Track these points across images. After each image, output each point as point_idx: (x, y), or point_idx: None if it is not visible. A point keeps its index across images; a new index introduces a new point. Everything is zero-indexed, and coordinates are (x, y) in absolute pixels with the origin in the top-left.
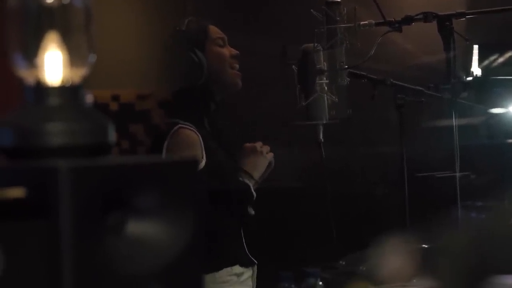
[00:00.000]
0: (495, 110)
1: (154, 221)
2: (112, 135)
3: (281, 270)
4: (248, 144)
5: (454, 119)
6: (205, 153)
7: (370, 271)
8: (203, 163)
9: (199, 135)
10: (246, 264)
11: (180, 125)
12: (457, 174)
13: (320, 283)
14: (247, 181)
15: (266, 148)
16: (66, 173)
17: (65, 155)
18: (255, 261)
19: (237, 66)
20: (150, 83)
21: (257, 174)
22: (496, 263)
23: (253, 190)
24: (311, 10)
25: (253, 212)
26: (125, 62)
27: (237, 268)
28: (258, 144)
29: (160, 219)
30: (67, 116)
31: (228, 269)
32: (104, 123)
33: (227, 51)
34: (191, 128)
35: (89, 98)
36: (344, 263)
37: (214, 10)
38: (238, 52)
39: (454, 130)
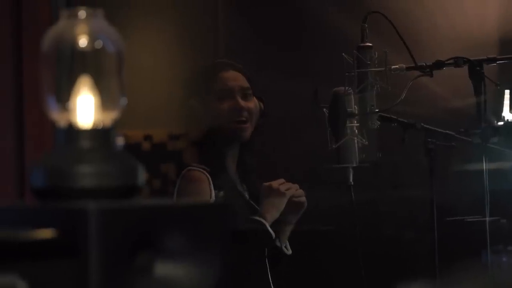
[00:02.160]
0: None
1: (181, 263)
2: (142, 177)
3: None
4: (266, 184)
5: (484, 163)
6: (215, 194)
7: None
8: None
9: (208, 176)
10: None
11: (189, 168)
12: (487, 219)
13: None
14: (262, 220)
15: (285, 186)
16: (95, 215)
17: (95, 197)
18: None
19: (241, 118)
20: (183, 124)
21: (271, 213)
22: None
23: (269, 229)
24: (343, 54)
25: (288, 252)
26: (157, 102)
27: None
28: (276, 183)
29: (187, 261)
30: (98, 158)
31: None
32: (134, 165)
33: (231, 104)
34: (200, 170)
35: (120, 141)
36: None
37: (248, 51)
38: (244, 106)
39: (484, 174)
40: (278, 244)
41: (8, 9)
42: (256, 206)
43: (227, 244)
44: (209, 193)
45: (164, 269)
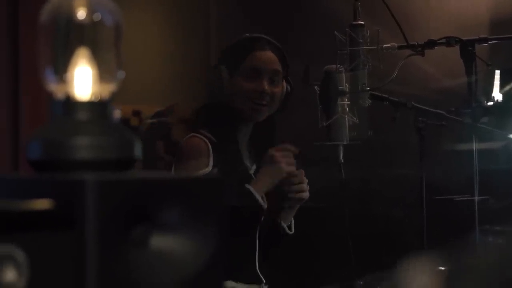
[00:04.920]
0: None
1: (177, 236)
2: (138, 150)
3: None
4: (270, 150)
5: (474, 143)
6: (213, 162)
7: None
8: (206, 170)
9: (208, 144)
10: (249, 281)
11: (193, 134)
12: (476, 198)
13: None
14: (249, 187)
15: (280, 153)
16: (93, 186)
17: (92, 169)
18: (263, 280)
19: (262, 102)
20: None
21: (262, 181)
22: None
23: (256, 195)
24: (335, 32)
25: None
26: (147, 78)
27: (241, 285)
28: (274, 149)
29: (183, 234)
30: (95, 130)
31: (231, 283)
32: (130, 138)
33: (256, 85)
34: (202, 137)
35: (116, 114)
36: (362, 283)
37: (239, 30)
38: (268, 90)
39: (474, 154)
40: (282, 224)
41: None
42: None
43: (224, 217)
44: (206, 161)
45: (160, 242)
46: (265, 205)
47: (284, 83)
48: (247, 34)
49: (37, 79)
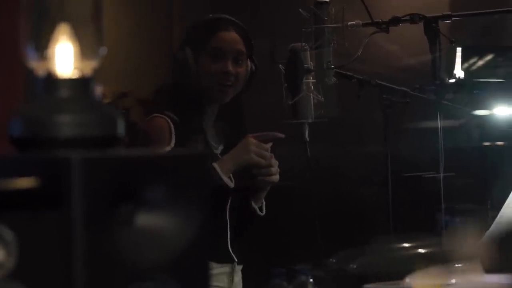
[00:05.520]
0: (478, 112)
1: (162, 213)
2: (122, 128)
3: (272, 268)
4: (247, 136)
5: (439, 120)
6: (175, 141)
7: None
8: (167, 148)
9: (170, 123)
10: (221, 261)
11: (154, 115)
12: (441, 175)
13: (311, 280)
14: (214, 164)
15: (256, 145)
16: (79, 164)
17: (75, 147)
18: (235, 259)
19: (227, 82)
20: (131, 81)
21: (227, 160)
22: None
23: (222, 175)
24: (299, 9)
25: (262, 213)
26: (106, 59)
27: (213, 265)
28: (253, 141)
29: (168, 211)
30: (78, 107)
31: None
32: (114, 115)
33: (220, 66)
34: (163, 117)
35: (98, 90)
36: (334, 261)
37: (200, 10)
38: (233, 70)
39: (439, 131)
40: (252, 204)
41: None
42: None
43: (207, 194)
44: (168, 141)
45: (145, 219)
46: (231, 184)
47: (249, 63)
48: (210, 15)
49: (10, 53)
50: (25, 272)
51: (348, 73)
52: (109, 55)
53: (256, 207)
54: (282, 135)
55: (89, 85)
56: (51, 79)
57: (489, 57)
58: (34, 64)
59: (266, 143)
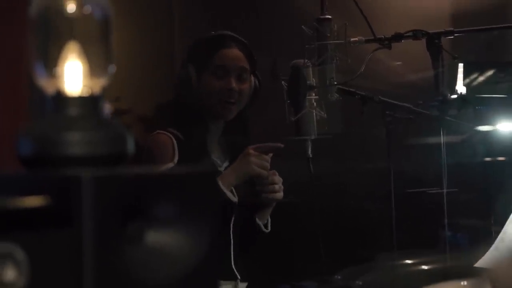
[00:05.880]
0: (481, 128)
1: (171, 230)
2: (131, 145)
3: (278, 284)
4: (247, 148)
5: (442, 136)
6: (178, 157)
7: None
8: (170, 165)
9: (173, 139)
10: (224, 278)
11: (157, 131)
12: (445, 191)
13: None
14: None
15: (256, 157)
16: (89, 182)
17: (85, 164)
18: (238, 276)
19: (230, 100)
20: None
21: (228, 175)
22: None
23: (225, 190)
24: (302, 26)
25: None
26: None
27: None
28: (253, 153)
29: (177, 229)
30: (87, 125)
31: None
32: (123, 132)
33: (224, 83)
34: (166, 134)
35: (107, 108)
36: (339, 277)
37: (202, 27)
38: (236, 87)
39: (442, 147)
40: (257, 221)
41: None
42: None
43: (215, 211)
44: (171, 157)
45: (155, 236)
46: (234, 199)
47: (252, 78)
48: (212, 32)
49: (15, 71)
50: None
51: (351, 89)
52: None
53: (261, 223)
54: (281, 145)
55: (98, 103)
56: (60, 97)
57: (490, 72)
58: (43, 82)
59: (267, 154)
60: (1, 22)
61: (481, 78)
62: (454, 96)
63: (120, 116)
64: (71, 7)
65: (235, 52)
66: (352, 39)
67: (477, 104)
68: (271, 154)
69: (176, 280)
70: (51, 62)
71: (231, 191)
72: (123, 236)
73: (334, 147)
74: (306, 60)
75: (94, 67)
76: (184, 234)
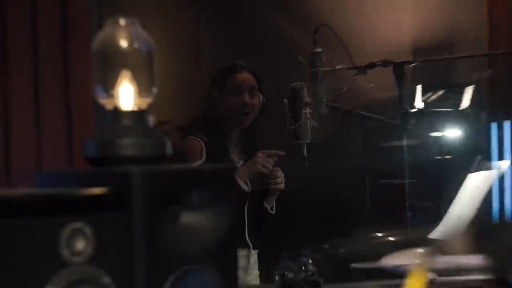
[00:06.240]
0: (433, 134)
1: (201, 213)
2: (170, 148)
3: (281, 252)
4: (258, 152)
5: (404, 140)
6: (206, 157)
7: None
8: (199, 162)
9: (202, 143)
10: (241, 247)
11: (190, 137)
12: (407, 181)
13: (310, 261)
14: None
15: (262, 159)
16: (138, 176)
17: (135, 163)
18: (250, 245)
19: (245, 111)
20: (168, 113)
21: (242, 170)
22: None
23: (240, 182)
24: (299, 57)
25: (273, 212)
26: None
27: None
28: (261, 155)
29: (205, 211)
30: (137, 133)
31: None
32: (163, 138)
33: (239, 99)
34: (197, 139)
35: (152, 120)
36: (327, 246)
37: (223, 58)
38: (249, 101)
39: (404, 148)
40: (265, 205)
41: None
42: None
43: (235, 198)
44: (200, 156)
45: (188, 217)
46: (247, 188)
47: (260, 96)
48: (228, 64)
49: (84, 92)
50: (99, 258)
51: (337, 105)
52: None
53: (268, 206)
54: (283, 153)
55: (144, 116)
56: (116, 112)
57: (441, 92)
58: (104, 101)
59: (272, 157)
60: (74, 54)
61: (433, 96)
62: (414, 110)
63: (161, 126)
64: (123, 43)
65: (245, 75)
66: (337, 67)
67: (431, 116)
68: (275, 158)
69: (205, 251)
70: (109, 86)
71: (246, 183)
72: (165, 217)
73: (323, 148)
74: (302, 83)
75: (142, 90)
76: (210, 215)
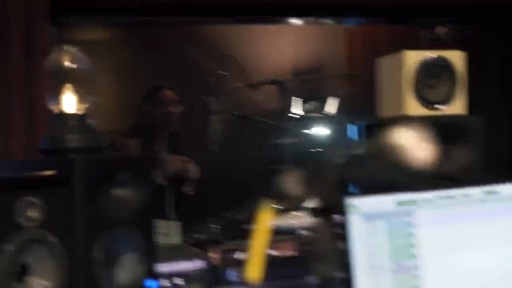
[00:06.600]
0: (306, 132)
1: (127, 189)
2: (104, 141)
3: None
4: (174, 156)
5: (286, 137)
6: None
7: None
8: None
9: (137, 143)
10: (168, 219)
11: (128, 139)
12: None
13: (218, 226)
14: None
15: (177, 162)
16: (79, 162)
17: (77, 152)
18: (173, 218)
19: (170, 119)
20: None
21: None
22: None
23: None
24: (210, 78)
25: (191, 193)
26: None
27: (160, 221)
28: (176, 159)
29: (131, 188)
30: (78, 130)
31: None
32: (99, 134)
33: (165, 110)
34: (133, 140)
35: (92, 122)
36: (230, 214)
37: (151, 77)
38: (172, 112)
39: (286, 143)
40: (185, 189)
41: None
42: None
43: (151, 178)
44: (135, 153)
45: (118, 192)
46: (165, 180)
47: (180, 107)
48: (154, 84)
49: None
50: (49, 224)
51: (237, 113)
52: (101, 106)
53: (187, 190)
54: (189, 159)
55: (84, 118)
56: (62, 115)
57: (313, 103)
58: (52, 107)
59: (184, 161)
60: (29, 73)
61: (309, 106)
62: (295, 116)
63: (109, 132)
64: (67, 63)
65: (168, 91)
66: (237, 85)
67: (306, 120)
68: (186, 159)
69: (131, 218)
70: (56, 95)
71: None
72: (100, 192)
73: (229, 145)
74: (211, 97)
75: (81, 98)
76: (134, 191)
